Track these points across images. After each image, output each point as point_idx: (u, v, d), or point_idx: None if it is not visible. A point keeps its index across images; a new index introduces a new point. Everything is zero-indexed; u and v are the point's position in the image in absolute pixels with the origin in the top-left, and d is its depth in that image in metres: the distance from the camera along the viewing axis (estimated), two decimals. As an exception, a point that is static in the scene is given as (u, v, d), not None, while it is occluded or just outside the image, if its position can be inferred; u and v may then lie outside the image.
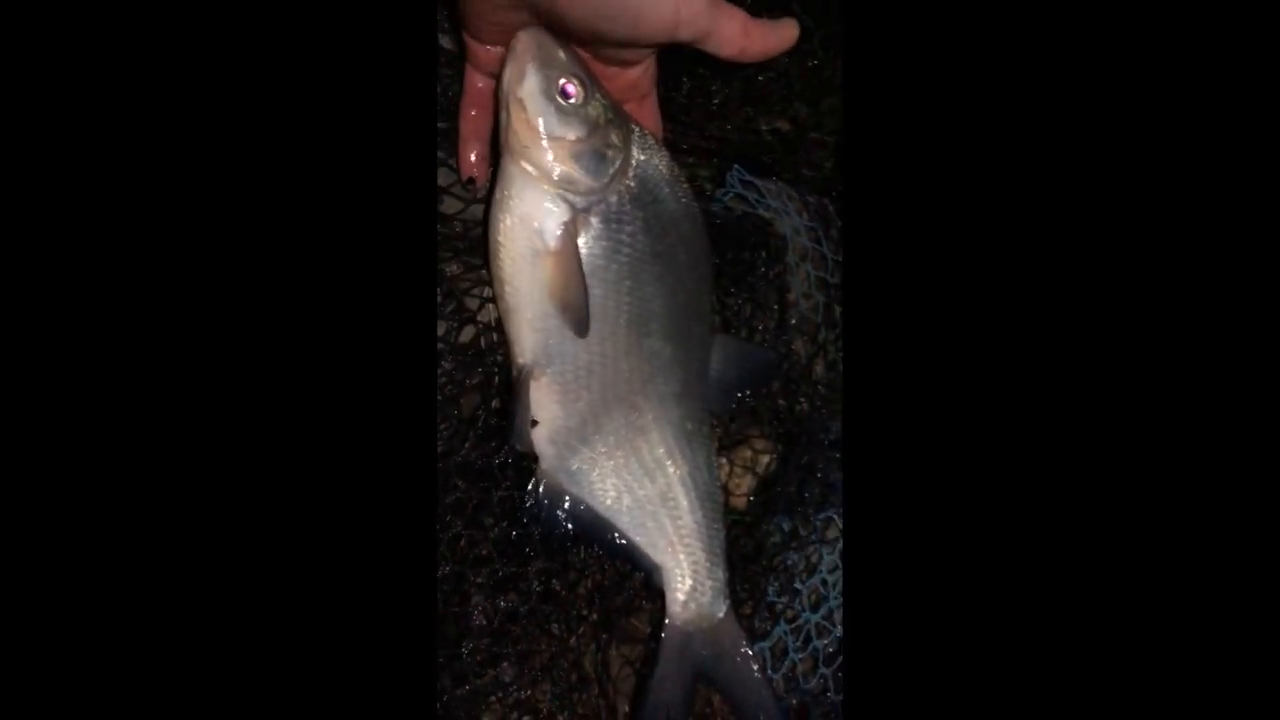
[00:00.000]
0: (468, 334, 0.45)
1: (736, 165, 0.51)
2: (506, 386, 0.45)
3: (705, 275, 0.47)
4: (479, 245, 0.45)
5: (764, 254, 0.53)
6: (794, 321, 0.53)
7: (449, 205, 0.46)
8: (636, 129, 0.43)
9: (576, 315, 0.41)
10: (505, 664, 0.44)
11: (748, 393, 0.50)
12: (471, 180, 0.45)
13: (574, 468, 0.44)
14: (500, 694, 0.44)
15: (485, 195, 0.44)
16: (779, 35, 0.41)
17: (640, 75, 0.44)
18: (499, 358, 0.45)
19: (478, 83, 0.43)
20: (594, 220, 0.42)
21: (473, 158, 0.44)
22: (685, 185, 0.45)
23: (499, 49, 0.42)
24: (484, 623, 0.44)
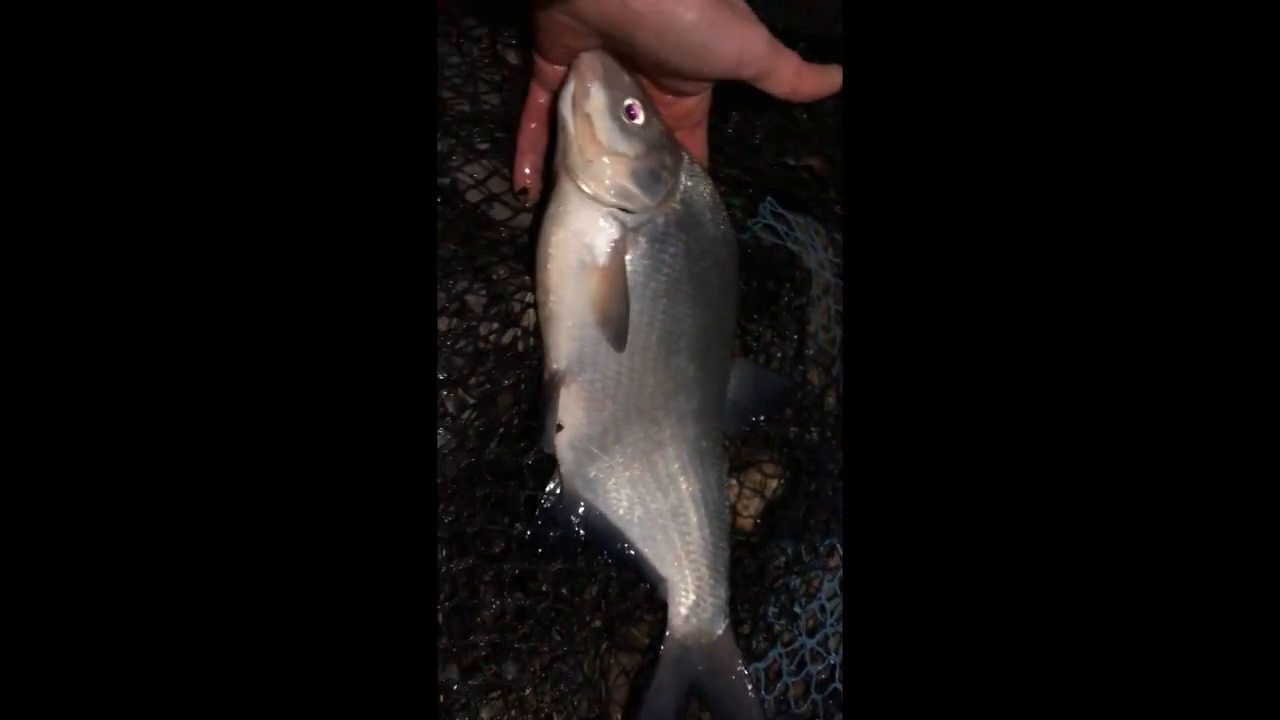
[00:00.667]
0: (509, 336, 0.46)
1: (769, 197, 0.53)
2: (536, 391, 0.46)
3: (733, 301, 0.49)
4: (524, 252, 0.46)
5: (788, 285, 0.55)
6: (811, 353, 0.55)
7: (498, 211, 0.47)
8: (686, 155, 0.45)
9: (616, 328, 0.43)
10: (509, 661, 0.45)
11: (761, 417, 0.51)
12: (524, 191, 0.46)
13: (591, 475, 0.45)
14: (503, 690, 0.45)
15: (534, 205, 0.46)
16: (828, 79, 0.43)
17: (696, 104, 0.46)
18: (534, 363, 0.47)
19: (540, 98, 0.45)
20: (641, 239, 0.43)
21: (527, 170, 0.46)
22: (725, 213, 0.47)
23: (564, 69, 0.44)
24: (492, 618, 0.44)
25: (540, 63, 0.44)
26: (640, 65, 0.43)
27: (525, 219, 0.47)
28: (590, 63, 0.42)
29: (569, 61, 0.43)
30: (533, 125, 0.46)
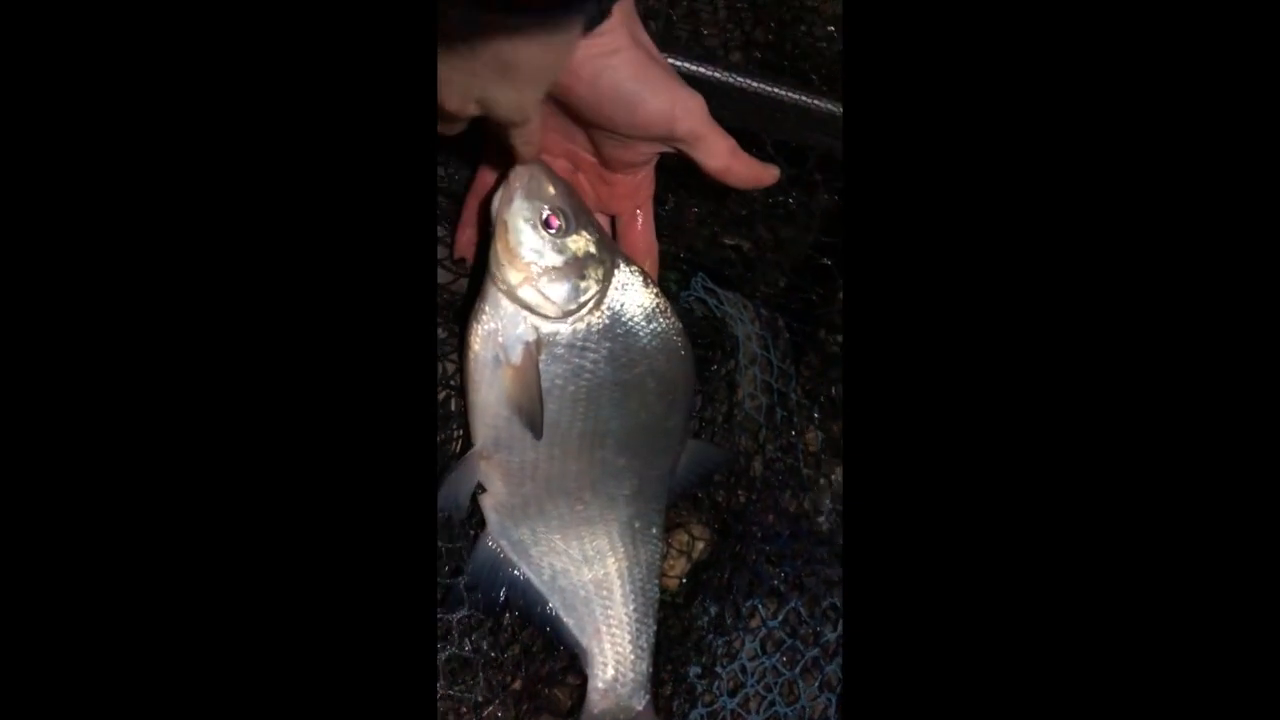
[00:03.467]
0: (441, 395, 0.48)
1: (701, 273, 0.57)
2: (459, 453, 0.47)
3: (679, 400, 0.47)
4: (460, 316, 0.48)
5: (719, 353, 0.58)
6: (739, 418, 0.57)
7: (442, 276, 0.50)
8: (624, 266, 0.45)
9: (531, 422, 0.43)
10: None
11: (698, 489, 0.53)
12: (463, 260, 0.49)
13: (516, 538, 0.46)
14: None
15: (473, 272, 0.49)
16: (762, 171, 0.45)
17: (641, 182, 0.48)
18: (463, 423, 0.48)
19: (488, 176, 0.47)
20: (559, 344, 0.44)
21: (465, 240, 0.48)
22: (668, 318, 0.46)
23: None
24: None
25: (489, 136, 0.45)
26: (583, 121, 0.44)
27: (463, 283, 0.50)
28: (519, 172, 0.42)
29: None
30: (477, 201, 0.47)
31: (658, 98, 0.41)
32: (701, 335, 0.57)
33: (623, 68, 0.40)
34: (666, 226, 0.57)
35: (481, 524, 0.48)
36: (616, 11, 0.38)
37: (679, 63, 0.45)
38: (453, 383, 0.48)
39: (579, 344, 0.44)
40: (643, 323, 0.45)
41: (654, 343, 0.46)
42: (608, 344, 0.44)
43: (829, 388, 0.58)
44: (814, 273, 0.59)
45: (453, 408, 0.48)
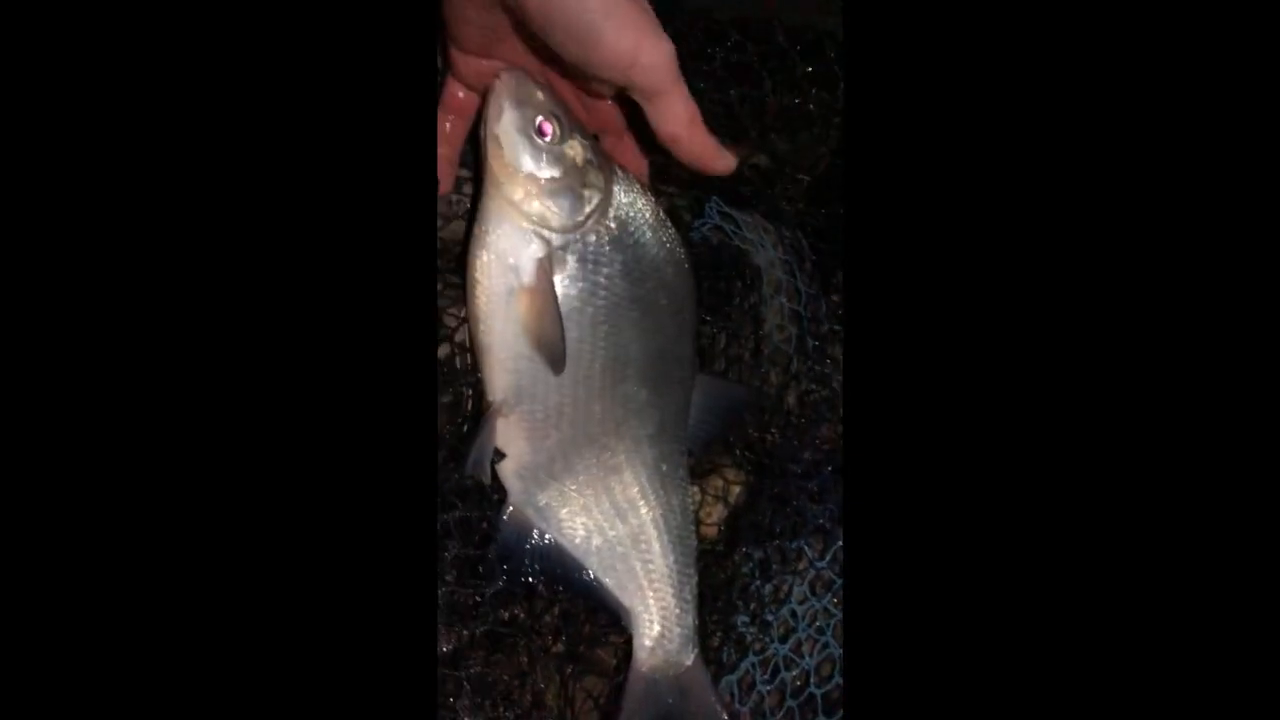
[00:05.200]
0: (443, 351, 0.44)
1: (714, 197, 0.52)
2: (475, 414, 0.44)
3: (687, 321, 0.46)
4: (456, 263, 0.44)
5: (740, 284, 0.54)
6: (767, 353, 0.54)
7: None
8: (620, 172, 0.43)
9: (552, 352, 0.41)
10: (464, 696, 0.43)
11: (724, 429, 0.49)
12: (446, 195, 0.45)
13: (542, 503, 0.44)
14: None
15: (465, 213, 0.44)
16: (716, 155, 0.40)
17: (611, 109, 0.44)
18: (471, 381, 0.45)
19: (458, 92, 0.43)
20: (571, 260, 0.41)
21: (441, 158, 0.44)
22: (671, 230, 0.45)
23: (481, 62, 0.42)
24: (442, 650, 0.42)
25: (454, 54, 0.42)
26: (539, 51, 0.40)
27: (457, 227, 0.45)
28: (503, 81, 0.40)
29: (481, 48, 0.41)
30: (447, 123, 0.44)
31: (620, 38, 0.36)
32: (720, 267, 0.53)
33: None
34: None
35: (478, 495, 0.45)
36: None
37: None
38: (457, 338, 0.45)
39: (591, 258, 0.42)
40: (649, 232, 0.43)
41: (662, 253, 0.44)
42: (620, 256, 0.42)
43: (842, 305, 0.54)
44: (833, 187, 0.54)
45: (458, 365, 0.44)
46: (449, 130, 0.44)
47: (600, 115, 0.44)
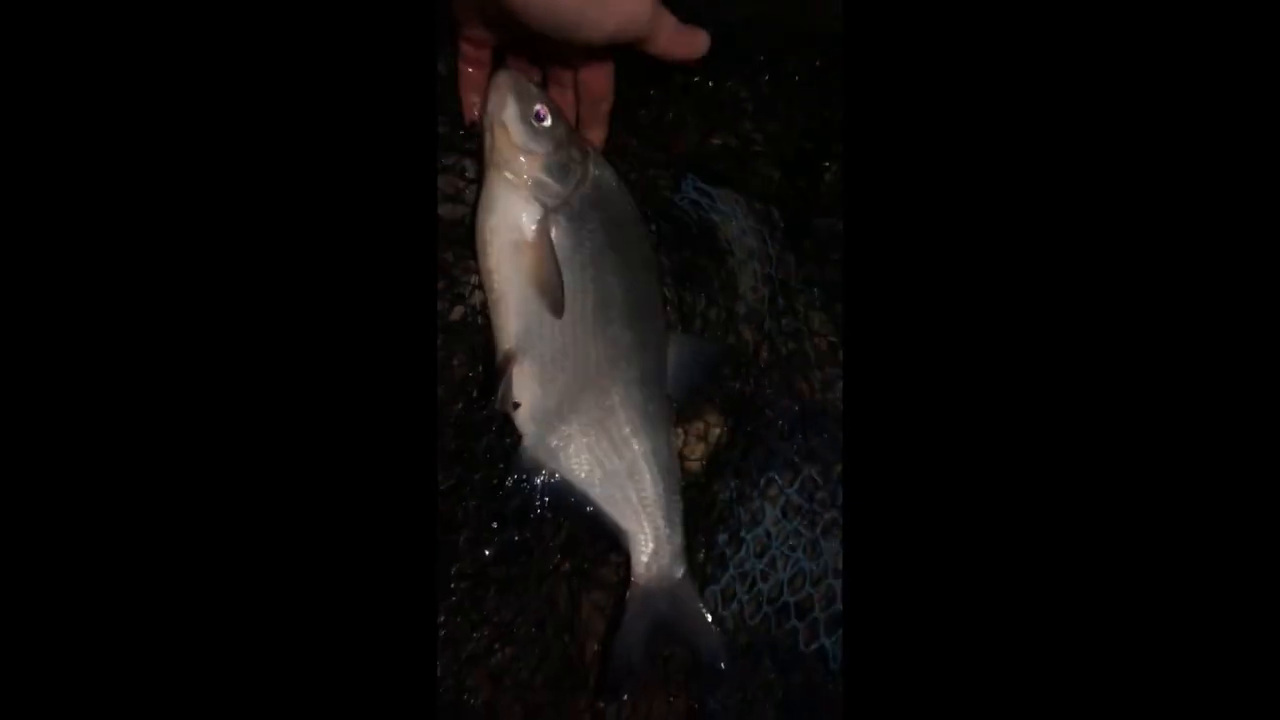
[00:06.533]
0: (457, 313, 0.52)
1: (690, 174, 0.59)
2: (490, 361, 0.51)
3: (654, 277, 0.55)
4: (466, 236, 0.52)
5: (716, 254, 0.60)
6: (743, 313, 0.60)
7: (445, 209, 0.53)
8: (591, 149, 0.53)
9: (554, 295, 0.49)
10: (492, 597, 0.50)
11: (703, 382, 0.57)
12: (474, 124, 0.53)
13: (553, 444, 0.51)
14: (486, 629, 0.50)
15: (474, 202, 0.52)
16: (694, 43, 0.50)
17: (598, 83, 0.52)
18: (482, 338, 0.52)
19: (468, 68, 0.52)
20: (562, 218, 0.51)
21: (470, 103, 0.52)
22: (629, 196, 0.54)
23: (482, 47, 0.51)
24: (470, 568, 0.50)
25: (463, 45, 0.51)
26: (523, 28, 0.48)
27: (462, 210, 0.53)
28: (503, 79, 0.50)
29: (482, 39, 0.50)
30: (469, 90, 0.53)
31: (603, 22, 0.45)
32: (698, 239, 0.59)
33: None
34: (650, 130, 0.59)
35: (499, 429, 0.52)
36: None
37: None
38: (471, 301, 0.52)
39: (577, 214, 0.51)
40: (616, 194, 0.53)
41: (628, 209, 0.53)
42: (597, 214, 0.51)
43: (827, 269, 0.61)
44: (802, 161, 0.60)
45: (467, 322, 0.52)
46: (469, 89, 0.53)
47: (583, 86, 0.53)
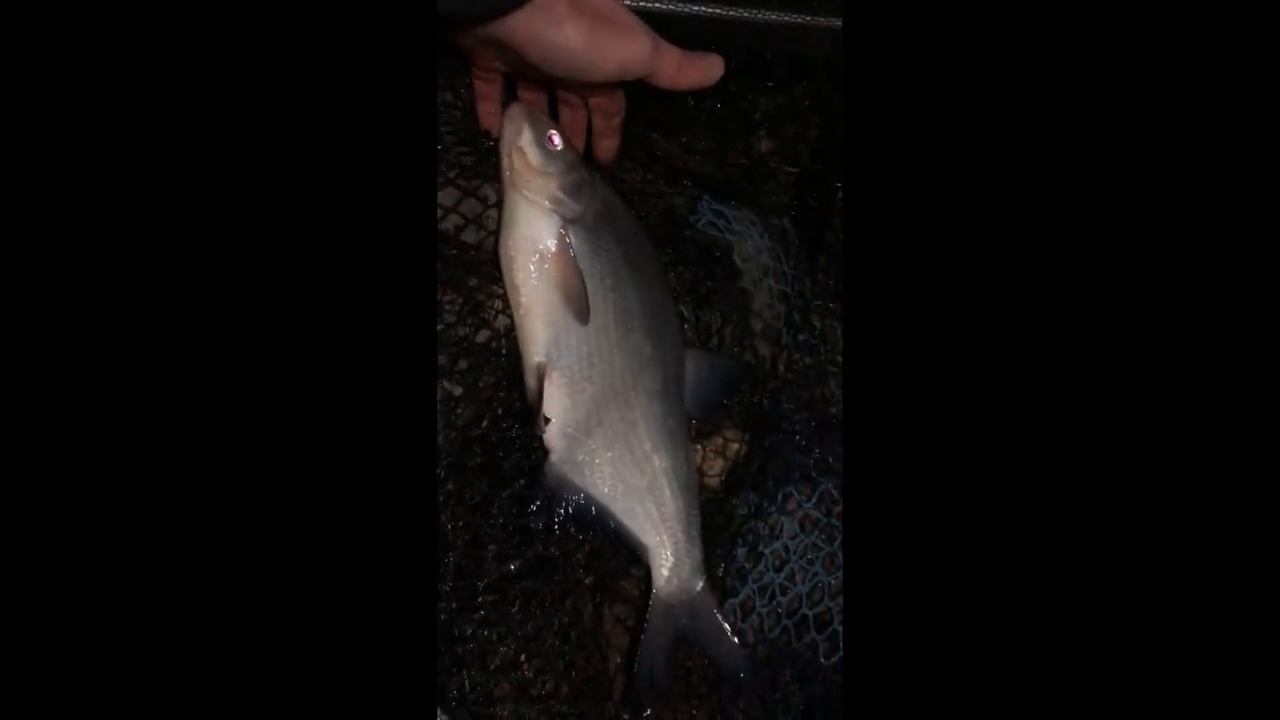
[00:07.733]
0: (483, 336, 0.54)
1: (706, 196, 0.61)
2: (516, 379, 0.53)
3: (667, 290, 0.57)
4: (490, 265, 0.54)
5: (731, 274, 0.62)
6: (759, 329, 0.62)
7: (469, 235, 0.55)
8: (596, 172, 0.56)
9: (578, 303, 0.52)
10: (515, 612, 0.52)
11: (721, 399, 0.58)
12: (488, 131, 0.56)
13: (579, 459, 0.53)
14: (512, 638, 0.52)
15: (495, 230, 0.54)
16: (707, 71, 0.51)
17: (609, 102, 0.55)
18: (507, 360, 0.54)
19: (482, 91, 0.55)
20: (579, 231, 0.53)
21: (486, 112, 0.55)
22: (634, 214, 0.57)
23: (493, 79, 0.54)
24: (495, 579, 0.52)
25: (476, 78, 0.55)
26: (534, 75, 0.51)
27: (490, 241, 0.55)
28: (517, 110, 0.53)
29: (493, 71, 0.54)
30: (485, 103, 0.55)
31: (606, 64, 0.47)
32: (714, 261, 0.61)
33: (567, 44, 0.46)
34: (664, 149, 0.60)
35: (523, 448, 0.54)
36: None
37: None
38: (496, 325, 0.54)
39: (593, 227, 0.54)
40: (622, 208, 0.57)
41: (634, 226, 0.57)
42: (609, 224, 0.55)
43: (841, 282, 0.62)
44: (813, 180, 0.62)
45: (493, 346, 0.54)
46: (487, 101, 0.56)
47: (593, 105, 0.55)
